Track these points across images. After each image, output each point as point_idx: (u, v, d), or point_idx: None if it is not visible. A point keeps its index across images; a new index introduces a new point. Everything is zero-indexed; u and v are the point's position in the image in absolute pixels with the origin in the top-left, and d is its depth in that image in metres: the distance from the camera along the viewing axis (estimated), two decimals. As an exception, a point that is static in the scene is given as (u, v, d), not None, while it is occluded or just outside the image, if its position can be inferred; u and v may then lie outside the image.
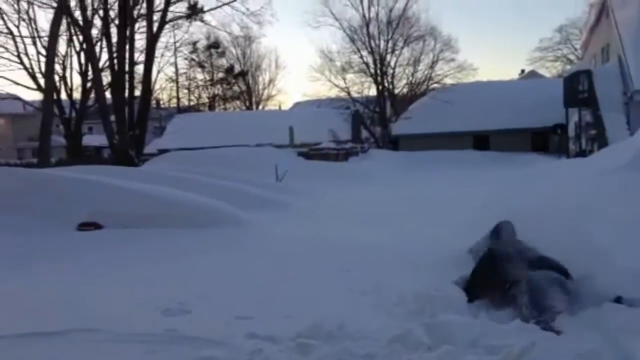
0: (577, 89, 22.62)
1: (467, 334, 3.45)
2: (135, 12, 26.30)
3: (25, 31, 33.26)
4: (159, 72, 32.80)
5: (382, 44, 38.71)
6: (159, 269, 5.93)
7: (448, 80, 38.15)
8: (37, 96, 27.69)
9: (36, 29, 29.69)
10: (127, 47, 25.42)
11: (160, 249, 7.03)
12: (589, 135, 23.40)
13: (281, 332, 3.75)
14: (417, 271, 5.71)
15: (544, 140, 30.05)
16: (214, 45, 42.56)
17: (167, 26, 29.32)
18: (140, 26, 27.52)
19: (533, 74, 48.03)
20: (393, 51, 39.08)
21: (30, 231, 7.65)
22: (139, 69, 27.92)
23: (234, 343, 3.56)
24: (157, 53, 30.61)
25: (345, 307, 4.45)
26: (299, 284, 5.20)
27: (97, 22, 27.18)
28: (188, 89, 44.98)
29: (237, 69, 49.74)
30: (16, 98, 34.59)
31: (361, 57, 38.64)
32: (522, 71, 51.87)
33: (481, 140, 31.11)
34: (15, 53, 29.83)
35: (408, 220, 9.61)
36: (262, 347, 3.48)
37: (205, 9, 30.72)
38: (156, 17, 27.10)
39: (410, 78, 40.27)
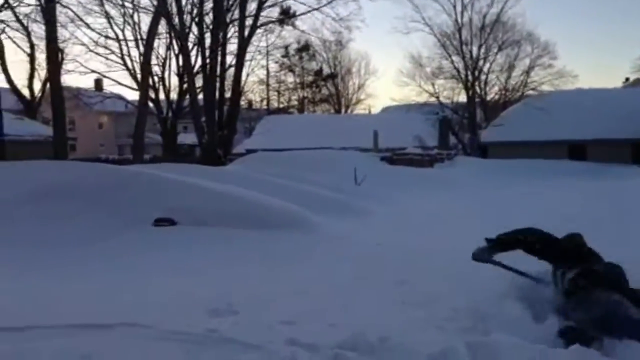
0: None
1: (514, 357, 3.21)
2: (228, 18, 27.19)
3: (129, 34, 35.29)
4: (248, 74, 33.62)
5: (475, 49, 37.79)
6: (218, 268, 6.02)
7: (545, 87, 36.64)
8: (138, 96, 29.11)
9: (139, 33, 31.33)
10: (220, 51, 26.32)
11: (225, 249, 7.14)
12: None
13: (322, 340, 3.66)
14: (482, 285, 5.43)
15: (645, 152, 28.12)
16: (305, 48, 43.17)
17: (259, 30, 30.13)
18: (234, 31, 28.43)
19: (638, 82, 45.05)
20: (486, 57, 38.05)
21: (108, 225, 7.99)
22: (231, 71, 28.85)
23: (271, 348, 3.51)
24: (249, 56, 31.55)
25: (394, 319, 4.29)
26: (352, 291, 5.09)
27: (194, 28, 28.35)
28: (278, 91, 45.88)
29: (327, 71, 50.14)
30: (119, 97, 36.74)
31: (452, 62, 37.93)
32: (627, 79, 48.84)
33: (577, 150, 29.50)
34: (120, 55, 31.73)
35: (486, 231, 9.21)
36: (298, 356, 3.41)
37: (297, 13, 31.16)
38: (249, 21, 27.89)
39: (504, 84, 38.94)
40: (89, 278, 5.62)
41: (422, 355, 3.34)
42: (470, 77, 37.69)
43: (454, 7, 37.36)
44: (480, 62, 38.05)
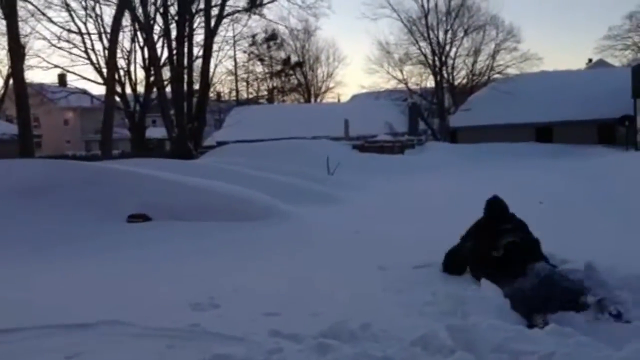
0: (647, 78, 21.51)
1: (493, 338, 3.29)
2: (194, 8, 26.85)
3: (92, 28, 34.60)
4: (216, 65, 33.25)
5: (441, 34, 38.06)
6: (196, 262, 6.00)
7: (511, 71, 37.13)
8: (104, 90, 28.62)
9: (102, 26, 30.72)
10: (186, 42, 25.99)
11: (201, 243, 7.11)
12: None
13: (305, 330, 3.69)
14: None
15: (611, 133, 28.71)
16: (272, 37, 42.89)
17: (225, 20, 29.80)
18: (200, 21, 28.08)
19: (601, 63, 45.95)
20: (452, 41, 38.43)
21: (81, 222, 7.89)
22: (199, 63, 28.52)
23: (255, 340, 3.53)
24: (216, 47, 31.15)
25: (376, 305, 4.35)
26: (332, 280, 5.13)
27: (159, 19, 27.91)
28: (247, 81, 45.55)
29: (295, 60, 49.95)
30: (84, 92, 35.99)
31: (419, 48, 38.15)
32: (590, 60, 49.86)
33: (544, 133, 30.04)
34: (83, 49, 31.07)
35: (461, 215, 9.34)
36: (282, 346, 3.44)
37: (264, 2, 30.91)
38: (215, 11, 27.58)
39: (471, 69, 39.34)
40: (64, 277, 5.54)
41: (405, 341, 3.39)
42: (437, 63, 37.98)
43: (420, -9, 37.54)
44: (447, 47, 38.37)
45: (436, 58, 37.93)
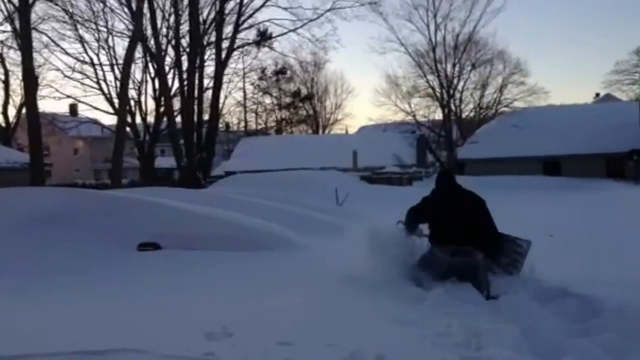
0: (655, 112, 21.57)
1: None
2: (205, 40, 27.32)
3: (104, 59, 35.17)
4: (226, 97, 33.68)
5: (449, 67, 38.42)
6: (208, 291, 5.99)
7: (518, 104, 37.38)
8: (114, 120, 29.01)
9: (114, 57, 31.24)
10: (197, 74, 26.38)
11: (211, 271, 7.12)
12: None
13: (320, 360, 3.67)
14: (472, 302, 5.49)
15: (619, 166, 28.68)
16: (282, 71, 43.43)
17: (235, 52, 30.30)
18: (211, 53, 28.54)
19: (608, 97, 46.12)
20: (460, 75, 38.73)
21: (91, 251, 7.91)
22: (209, 94, 28.90)
23: (269, 370, 3.51)
24: (226, 79, 31.70)
25: (389, 337, 4.32)
26: (344, 310, 5.10)
27: (170, 51, 28.37)
28: (256, 113, 45.98)
29: (304, 92, 50.45)
30: (95, 122, 36.43)
31: (427, 81, 38.50)
32: (597, 95, 50.05)
33: (552, 166, 30.04)
34: (95, 79, 31.57)
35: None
36: (297, 376, 3.41)
37: (274, 35, 31.40)
38: (225, 44, 28.05)
39: (478, 102, 39.62)
40: (77, 305, 5.54)
41: (421, 372, 3.37)
42: (445, 95, 38.27)
43: (427, 26, 38.05)
44: (455, 80, 38.72)
45: (444, 91, 38.25)
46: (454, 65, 38.49)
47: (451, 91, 38.42)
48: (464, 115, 40.19)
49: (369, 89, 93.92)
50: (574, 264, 7.06)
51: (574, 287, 5.54)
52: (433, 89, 38.44)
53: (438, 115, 39.49)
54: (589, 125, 30.06)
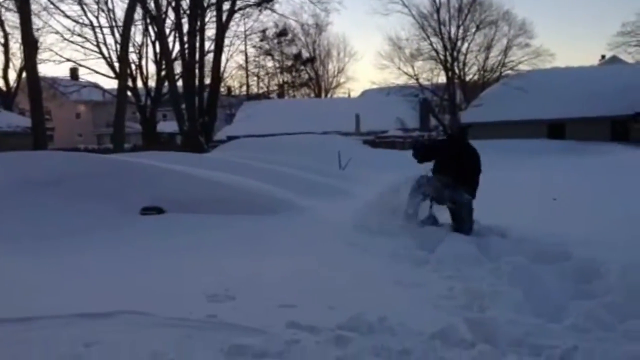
0: (662, 74, 21.27)
1: (513, 332, 3.27)
2: (206, 2, 26.89)
3: (104, 21, 34.75)
4: (227, 60, 33.38)
5: (453, 30, 37.83)
6: (210, 254, 6.01)
7: (523, 67, 36.90)
8: (115, 84, 28.84)
9: (114, 20, 30.86)
10: (198, 36, 26.04)
11: (215, 235, 7.12)
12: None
13: (322, 322, 3.68)
14: (474, 264, 5.50)
15: (625, 129, 28.45)
16: (283, 33, 42.89)
17: (236, 15, 29.87)
18: (211, 16, 28.12)
19: (614, 59, 45.50)
20: (464, 37, 38.19)
21: (95, 214, 7.92)
22: (210, 57, 28.59)
23: (272, 332, 3.53)
24: (227, 41, 31.35)
25: (391, 299, 4.35)
26: (348, 273, 5.12)
27: (171, 13, 27.96)
28: (257, 76, 45.62)
29: (306, 55, 49.95)
30: (96, 86, 36.26)
31: (431, 43, 37.95)
32: (603, 57, 49.38)
33: (556, 129, 29.79)
34: (95, 43, 31.26)
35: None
36: (299, 337, 3.43)
37: (275, -4, 30.90)
38: (226, 6, 27.62)
39: (482, 64, 39.14)
40: (79, 268, 5.57)
41: (424, 335, 3.38)
42: (449, 58, 37.77)
43: (432, -13, 37.33)
44: (459, 43, 38.15)
45: (447, 54, 37.73)
46: (458, 27, 37.90)
47: (455, 54, 37.92)
48: (467, 79, 39.80)
49: (372, 52, 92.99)
50: (577, 226, 7.04)
51: (577, 248, 5.55)
52: (436, 51, 37.94)
53: (442, 78, 39.07)
54: (594, 87, 29.70)
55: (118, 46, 28.47)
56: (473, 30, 38.24)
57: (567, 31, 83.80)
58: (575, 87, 30.34)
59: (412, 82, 38.27)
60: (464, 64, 39.03)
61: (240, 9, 29.28)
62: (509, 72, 37.52)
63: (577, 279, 4.89)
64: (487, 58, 39.19)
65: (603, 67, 42.04)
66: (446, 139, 8.24)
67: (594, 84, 30.15)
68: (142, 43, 33.97)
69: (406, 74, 38.30)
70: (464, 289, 4.41)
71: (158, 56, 32.48)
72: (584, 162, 18.34)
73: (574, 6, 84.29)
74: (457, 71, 38.31)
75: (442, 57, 37.85)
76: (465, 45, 38.55)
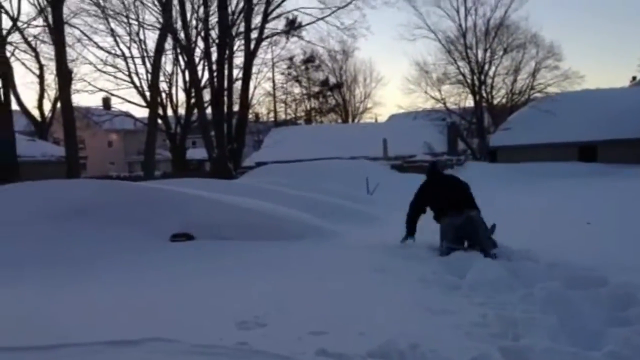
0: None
1: (549, 361, 3.19)
2: (234, 31, 27.37)
3: (135, 52, 35.61)
4: (255, 87, 33.79)
5: (480, 53, 37.73)
6: (240, 281, 6.01)
7: (551, 89, 36.50)
8: (146, 113, 29.39)
9: (145, 50, 31.60)
10: (226, 64, 26.48)
11: (244, 261, 7.13)
12: None
13: (352, 349, 3.65)
14: (506, 290, 5.40)
15: (658, 151, 27.86)
16: (310, 59, 43.37)
17: (264, 43, 30.31)
18: (240, 44, 28.61)
19: (646, 80, 44.84)
20: (491, 60, 37.99)
21: (125, 241, 8.02)
22: (238, 85, 28.99)
23: (302, 359, 3.50)
24: (255, 69, 31.75)
25: (422, 326, 4.27)
26: (377, 299, 5.07)
27: (200, 42, 28.54)
28: (285, 102, 46.06)
29: (333, 81, 50.32)
30: (127, 115, 36.97)
31: (458, 67, 37.88)
32: (634, 78, 48.64)
33: (587, 152, 29.34)
34: (127, 72, 32.00)
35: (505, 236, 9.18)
36: (330, 365, 3.40)
37: (302, 24, 31.33)
38: (254, 34, 28.07)
39: (510, 87, 38.89)
40: (109, 294, 5.61)
41: (457, 362, 3.32)
42: (476, 82, 37.65)
43: (457, 12, 37.44)
44: (486, 66, 38.01)
45: (475, 77, 37.62)
46: (485, 51, 37.82)
47: (482, 77, 37.78)
48: (495, 102, 39.56)
49: (398, 77, 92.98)
50: (611, 251, 6.88)
51: (612, 274, 5.42)
52: (464, 75, 37.87)
53: (469, 102, 38.93)
54: (626, 109, 29.24)
55: (149, 75, 29.05)
56: (500, 53, 38.15)
57: (597, 53, 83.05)
58: (606, 109, 29.93)
59: (439, 106, 38.23)
60: (492, 87, 38.86)
61: (268, 36, 29.74)
62: (538, 94, 37.21)
63: (613, 305, 4.75)
64: (515, 81, 38.98)
65: (633, 88, 41.41)
66: (424, 183, 7.93)
67: (625, 106, 29.72)
68: (172, 72, 34.70)
69: (433, 98, 38.32)
70: (496, 316, 4.32)
71: (188, 84, 33.06)
72: (616, 185, 17.98)
73: (603, 28, 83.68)
74: (484, 94, 38.13)
75: (469, 80, 37.76)
76: (493, 68, 38.45)
